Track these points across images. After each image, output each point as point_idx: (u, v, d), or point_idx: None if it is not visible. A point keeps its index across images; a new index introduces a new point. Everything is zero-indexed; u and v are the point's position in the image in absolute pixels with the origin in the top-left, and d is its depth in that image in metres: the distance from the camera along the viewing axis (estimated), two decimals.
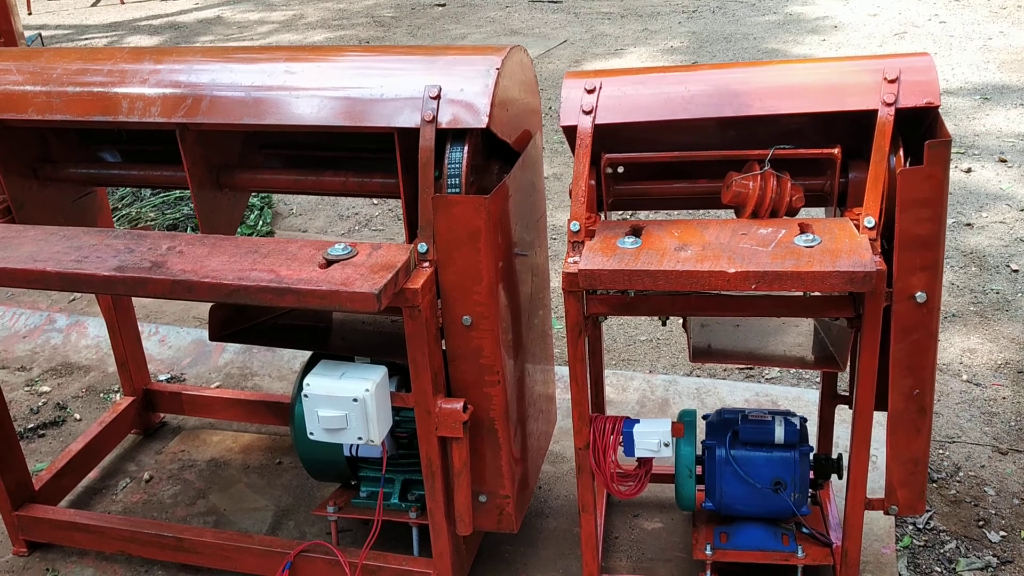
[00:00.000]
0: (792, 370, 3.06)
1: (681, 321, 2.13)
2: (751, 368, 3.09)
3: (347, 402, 1.89)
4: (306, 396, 1.91)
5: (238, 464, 2.76)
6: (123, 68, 2.11)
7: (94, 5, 10.35)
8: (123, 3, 10.21)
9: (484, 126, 1.84)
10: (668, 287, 1.69)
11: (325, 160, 2.25)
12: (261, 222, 4.15)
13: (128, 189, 4.38)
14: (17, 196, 2.26)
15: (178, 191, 4.37)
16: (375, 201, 4.59)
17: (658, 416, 2.78)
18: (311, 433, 1.95)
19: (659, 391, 2.90)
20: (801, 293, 1.82)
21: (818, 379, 3.02)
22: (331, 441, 1.95)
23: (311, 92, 1.95)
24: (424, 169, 1.85)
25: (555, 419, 2.54)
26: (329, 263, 1.82)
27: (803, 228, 1.79)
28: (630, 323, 3.41)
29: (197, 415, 2.93)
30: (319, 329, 2.36)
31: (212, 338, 2.23)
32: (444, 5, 8.73)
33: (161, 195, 4.34)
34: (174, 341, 3.36)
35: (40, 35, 7.63)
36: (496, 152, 2.03)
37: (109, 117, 2.06)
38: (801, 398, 2.80)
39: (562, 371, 2.87)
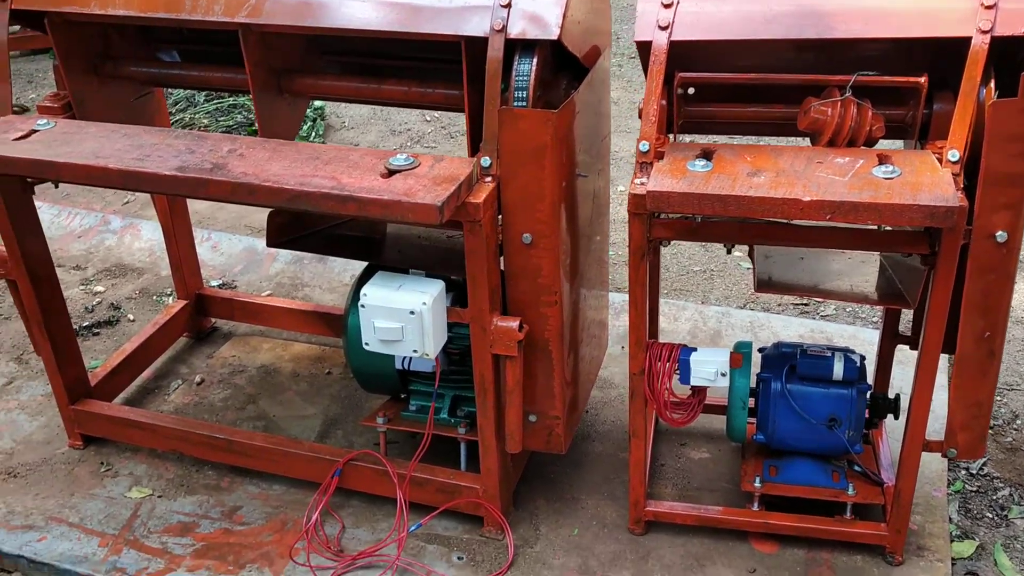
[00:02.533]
0: (848, 309, 3.00)
1: (748, 250, 2.08)
2: (805, 304, 3.03)
3: (404, 314, 1.88)
4: (363, 306, 1.91)
5: (288, 372, 2.78)
6: None
7: None
8: None
9: (555, 38, 1.77)
10: (739, 213, 1.64)
11: (386, 69, 2.20)
12: (313, 134, 4.12)
13: (182, 95, 4.37)
14: (78, 93, 2.24)
15: (232, 98, 4.35)
16: (427, 117, 4.53)
17: (712, 346, 2.74)
18: (366, 344, 1.95)
19: (711, 322, 2.86)
20: (876, 227, 1.76)
21: (875, 318, 2.96)
22: (386, 352, 1.95)
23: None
24: (491, 80, 1.80)
25: (606, 345, 2.53)
26: (391, 173, 1.79)
27: (882, 159, 1.72)
28: (683, 252, 3.35)
29: (248, 322, 2.95)
30: (373, 241, 2.35)
31: (270, 244, 2.23)
32: None
33: (215, 101, 4.32)
34: (226, 248, 3.37)
35: None
36: (564, 67, 1.97)
37: (171, 14, 2.02)
38: (857, 336, 2.75)
39: (614, 298, 2.86)
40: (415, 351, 1.91)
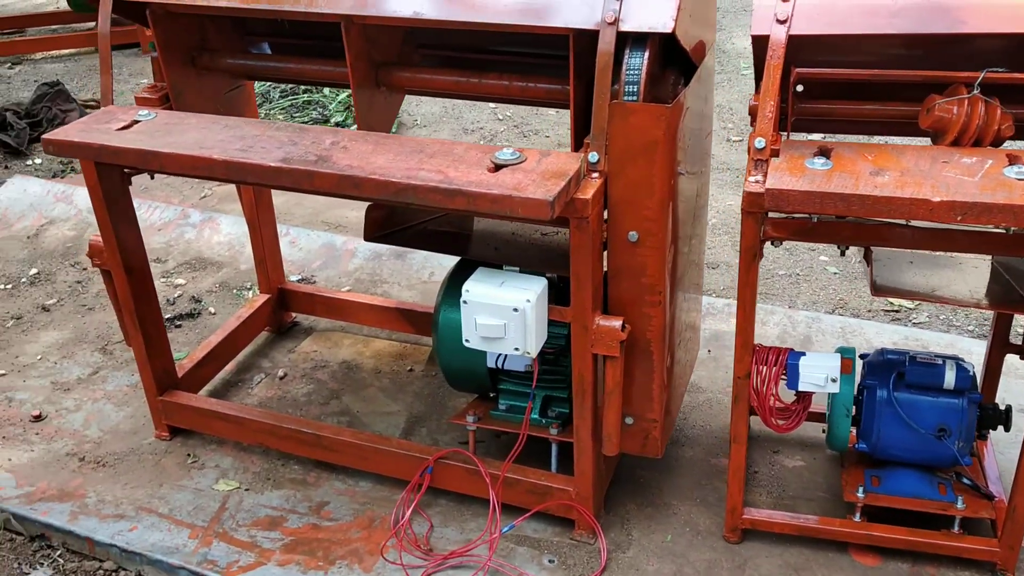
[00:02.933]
0: (941, 316, 2.91)
1: (864, 253, 2.01)
2: (896, 310, 2.95)
3: (507, 311, 1.84)
4: (465, 302, 1.88)
5: (369, 368, 2.77)
6: None
7: None
8: None
9: (670, 31, 1.73)
10: (863, 213, 1.58)
11: (484, 63, 2.18)
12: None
13: (258, 90, 4.39)
14: (176, 84, 2.25)
15: (306, 95, 4.37)
16: (499, 116, 4.50)
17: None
18: (467, 340, 1.92)
19: (801, 327, 2.79)
20: (1005, 229, 1.69)
21: (970, 327, 2.86)
22: (487, 349, 1.92)
23: None
24: (602, 74, 1.76)
25: (698, 348, 2.47)
26: (498, 167, 1.76)
27: (1012, 159, 1.65)
28: (768, 256, 3.28)
29: (329, 317, 2.95)
30: (462, 236, 2.32)
31: (367, 238, 2.21)
32: None
33: (289, 98, 4.34)
34: (305, 243, 3.37)
35: None
36: (671, 61, 1.92)
37: (275, 6, 2.02)
38: (955, 345, 2.66)
39: (705, 301, 2.81)
40: (516, 349, 1.88)
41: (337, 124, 4.20)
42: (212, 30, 2.31)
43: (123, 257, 2.27)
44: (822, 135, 3.13)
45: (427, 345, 2.85)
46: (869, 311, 2.95)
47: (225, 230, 3.48)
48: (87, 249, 2.30)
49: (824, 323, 2.80)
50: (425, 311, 2.79)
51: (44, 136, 2.02)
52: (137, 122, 2.05)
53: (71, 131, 2.03)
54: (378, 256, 3.27)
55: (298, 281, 3.20)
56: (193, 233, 3.50)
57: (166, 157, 1.91)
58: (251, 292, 3.18)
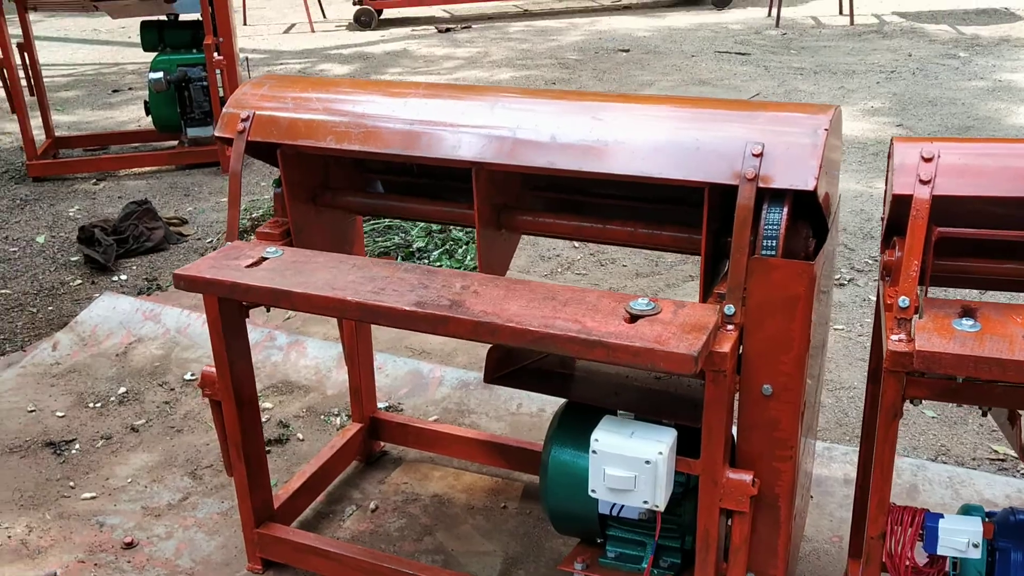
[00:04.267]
0: None
1: (1008, 414, 1.96)
2: (1002, 459, 2.86)
3: (638, 463, 1.81)
4: (595, 452, 1.85)
5: (462, 503, 2.72)
6: (423, 104, 2.13)
7: (287, 32, 10.85)
8: (313, 31, 10.64)
9: (812, 188, 1.75)
10: (1020, 378, 1.55)
11: (604, 206, 2.21)
12: (469, 257, 4.17)
13: None
14: (298, 220, 2.30)
15: (387, 220, 4.45)
16: (575, 244, 4.55)
17: (907, 503, 2.59)
18: (593, 491, 1.88)
19: (905, 475, 2.71)
20: None
21: None
22: (615, 501, 1.88)
23: (622, 141, 1.91)
24: (740, 228, 1.77)
25: (810, 496, 2.40)
26: (634, 318, 1.76)
27: None
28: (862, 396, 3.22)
29: (419, 448, 2.92)
30: (574, 377, 2.30)
31: (487, 380, 2.21)
32: (628, 51, 8.73)
33: (371, 222, 4.43)
34: (391, 370, 3.37)
35: (247, 58, 8.02)
36: (803, 213, 1.94)
37: (409, 152, 2.07)
38: None
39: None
40: (645, 502, 1.84)
41: (419, 249, 4.26)
42: (335, 169, 2.38)
43: (235, 388, 2.28)
44: (961, 291, 3.11)
45: (520, 480, 2.80)
46: (973, 459, 2.87)
47: (312, 353, 3.50)
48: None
49: (930, 471, 2.72)
50: (518, 446, 2.75)
51: (176, 272, 2.06)
52: (265, 259, 2.09)
53: (202, 267, 2.07)
54: (465, 385, 3.26)
55: (385, 409, 3.19)
56: (280, 356, 3.53)
57: (298, 297, 1.93)
58: (338, 418, 3.17)
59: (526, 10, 11.27)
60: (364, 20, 10.60)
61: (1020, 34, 8.44)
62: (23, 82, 5.77)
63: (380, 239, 4.33)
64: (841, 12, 9.57)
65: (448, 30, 10.28)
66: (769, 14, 9.71)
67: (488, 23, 10.62)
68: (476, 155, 2.01)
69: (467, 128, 2.05)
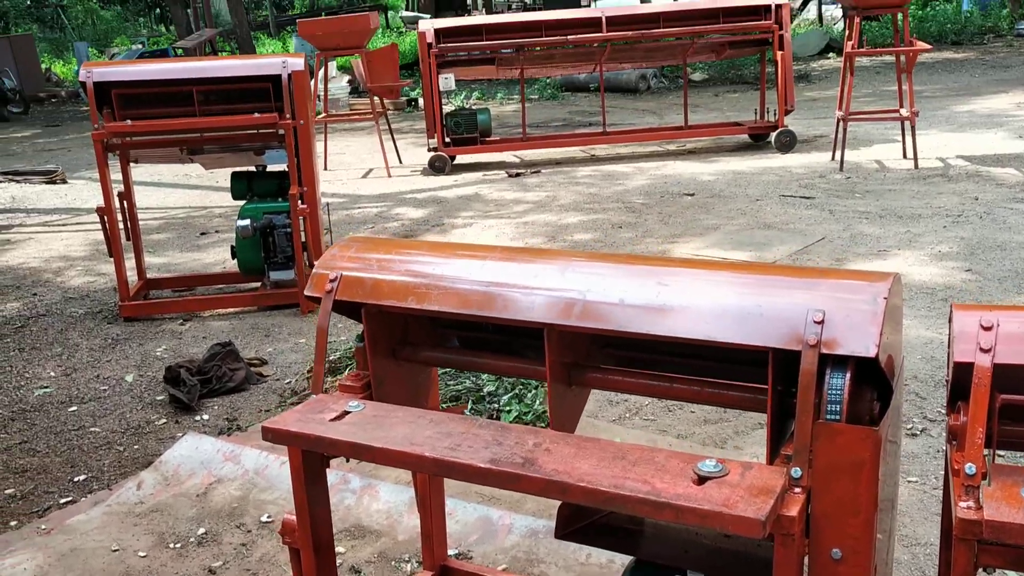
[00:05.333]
0: None
1: None
2: None
3: None
4: None
5: None
6: (498, 266, 2.27)
7: (364, 176, 11.38)
8: (389, 176, 11.14)
9: (873, 356, 1.81)
10: None
11: (670, 364, 2.29)
12: (538, 400, 4.25)
13: None
14: (379, 374, 2.43)
15: (454, 369, 4.58)
16: None
17: None
18: None
19: None
20: None
21: None
22: None
23: (687, 306, 2.00)
24: (805, 393, 1.83)
25: None
26: (702, 479, 1.81)
27: None
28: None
29: None
30: (644, 534, 2.33)
31: (558, 535, 2.25)
32: (693, 195, 8.94)
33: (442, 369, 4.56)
34: (461, 515, 3.42)
35: (328, 204, 8.43)
36: (866, 377, 1.99)
37: (485, 312, 2.20)
38: None
39: None
40: None
41: (489, 393, 4.35)
42: (414, 325, 2.52)
43: (314, 536, 2.36)
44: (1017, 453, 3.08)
45: None
46: None
47: (384, 498, 3.57)
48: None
49: None
50: None
51: (264, 425, 2.18)
52: (347, 412, 2.21)
53: (289, 420, 2.19)
54: (534, 533, 3.28)
55: (455, 556, 3.22)
56: (353, 499, 3.60)
57: (378, 451, 2.03)
58: (409, 564, 3.21)
59: (593, 155, 11.65)
60: (438, 166, 11.08)
61: None
62: (121, 227, 6.16)
63: (452, 383, 4.44)
64: (905, 156, 9.69)
65: (518, 175, 10.67)
66: (833, 158, 9.89)
67: (556, 168, 11.00)
68: (548, 316, 2.13)
69: (540, 290, 2.17)
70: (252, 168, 6.53)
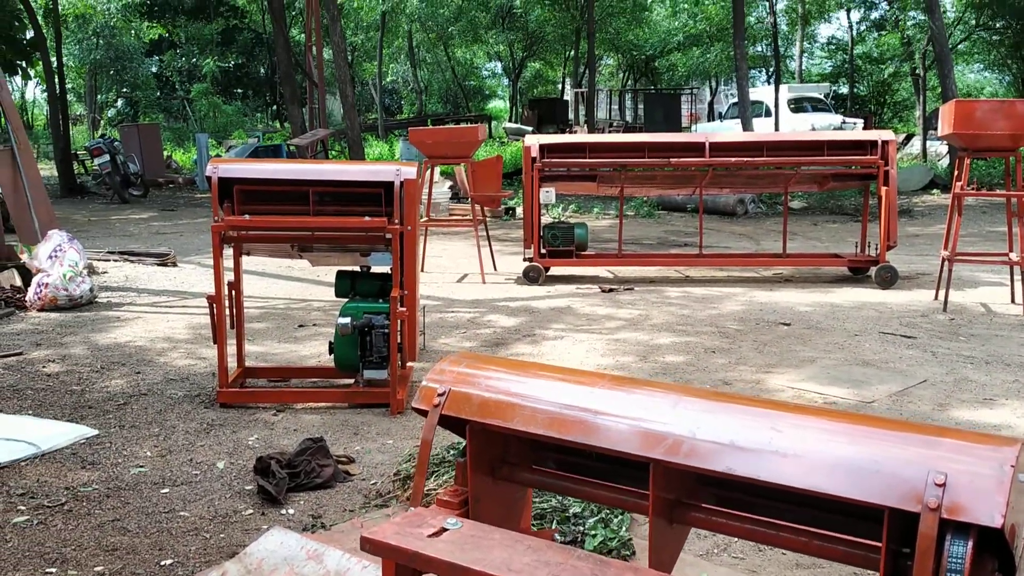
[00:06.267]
0: None
1: None
2: None
3: None
4: None
5: None
6: (608, 395, 2.28)
7: (460, 281, 11.59)
8: (484, 283, 11.32)
9: (999, 526, 1.74)
10: None
11: (774, 509, 2.24)
12: (624, 527, 4.16)
13: None
14: (477, 491, 2.44)
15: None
16: None
17: None
18: None
19: None
20: None
21: None
22: None
23: (800, 455, 1.97)
24: (923, 559, 1.77)
25: None
26: None
27: None
28: None
29: None
30: None
31: None
32: (789, 324, 8.82)
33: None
34: None
35: (424, 306, 8.60)
36: (988, 545, 1.91)
37: (588, 440, 2.20)
38: None
39: None
40: None
41: (575, 514, 4.29)
42: (514, 445, 2.53)
43: None
44: None
45: None
46: None
47: None
48: None
49: None
50: None
51: (363, 535, 2.20)
52: (445, 530, 2.21)
53: (388, 532, 2.20)
54: None
55: None
56: None
57: (475, 574, 2.02)
58: None
59: (688, 276, 11.65)
60: (532, 275, 11.22)
61: None
62: (226, 315, 6.39)
63: (537, 499, 4.40)
64: (1013, 301, 9.42)
65: (611, 290, 10.72)
66: (936, 297, 9.67)
67: (650, 286, 11.02)
68: (655, 452, 2.12)
69: (649, 423, 2.17)
70: (356, 268, 6.73)
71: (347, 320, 6.25)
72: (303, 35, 29.88)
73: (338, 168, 6.92)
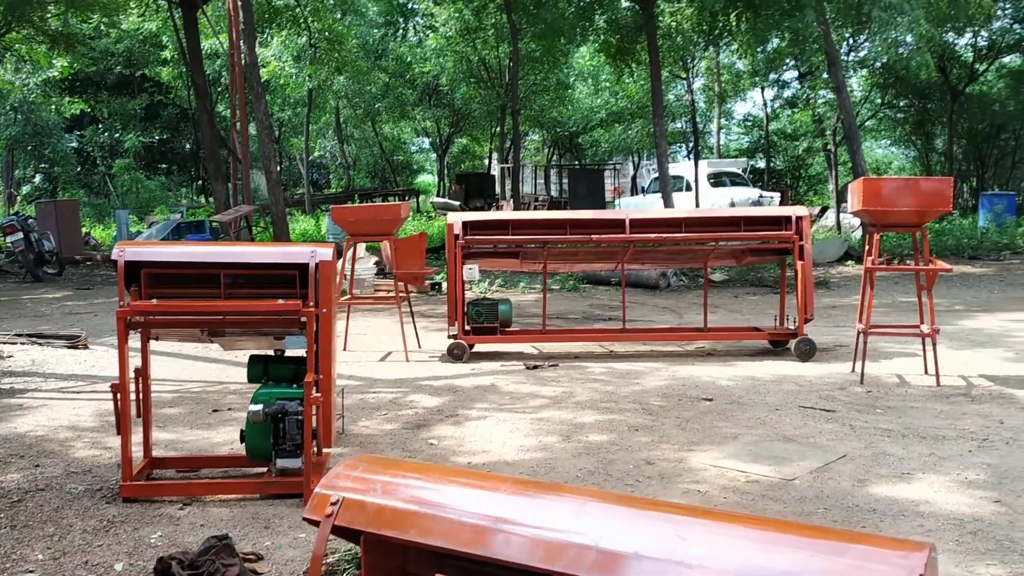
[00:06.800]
0: None
1: None
2: None
3: None
4: None
5: None
6: (508, 501, 2.17)
7: (383, 359, 11.40)
8: (408, 361, 11.15)
9: None
10: None
11: None
12: None
13: None
14: None
15: None
16: None
17: None
18: None
19: None
20: None
21: None
22: None
23: (707, 566, 1.89)
24: None
25: None
26: None
27: None
28: None
29: None
30: None
31: None
32: (711, 400, 8.84)
33: None
34: None
35: (343, 388, 8.39)
36: None
37: (489, 552, 2.09)
38: None
39: None
40: None
41: None
42: (414, 555, 2.39)
43: None
44: None
45: None
46: None
47: None
48: None
49: None
50: None
51: None
52: None
53: None
54: None
55: None
56: None
57: None
58: None
59: (612, 351, 11.67)
60: (456, 353, 11.11)
61: None
62: (133, 403, 6.11)
63: None
64: (927, 372, 9.62)
65: (536, 367, 10.66)
66: (853, 370, 9.83)
67: (574, 361, 11.00)
68: (558, 564, 2.01)
69: (550, 531, 2.07)
70: (270, 352, 6.54)
71: (259, 407, 6.03)
72: (229, 111, 29.75)
73: (251, 250, 6.76)
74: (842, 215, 29.31)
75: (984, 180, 41.44)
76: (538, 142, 52.66)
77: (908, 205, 9.27)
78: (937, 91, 37.50)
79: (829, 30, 21.49)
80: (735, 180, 32.82)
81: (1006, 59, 38.33)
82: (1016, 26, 34.33)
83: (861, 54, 35.43)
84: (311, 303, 5.96)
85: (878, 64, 35.26)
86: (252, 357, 6.52)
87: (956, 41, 35.27)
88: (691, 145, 36.25)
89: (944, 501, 5.88)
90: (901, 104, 40.86)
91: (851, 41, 32.10)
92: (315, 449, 6.18)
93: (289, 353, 6.57)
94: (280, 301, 5.98)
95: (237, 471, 6.61)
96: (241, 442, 6.31)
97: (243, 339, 6.70)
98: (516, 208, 27.74)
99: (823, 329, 12.64)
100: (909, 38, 21.76)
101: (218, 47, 30.48)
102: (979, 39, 35.96)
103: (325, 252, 6.08)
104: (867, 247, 9.90)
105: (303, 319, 5.99)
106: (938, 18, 20.46)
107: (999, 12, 32.85)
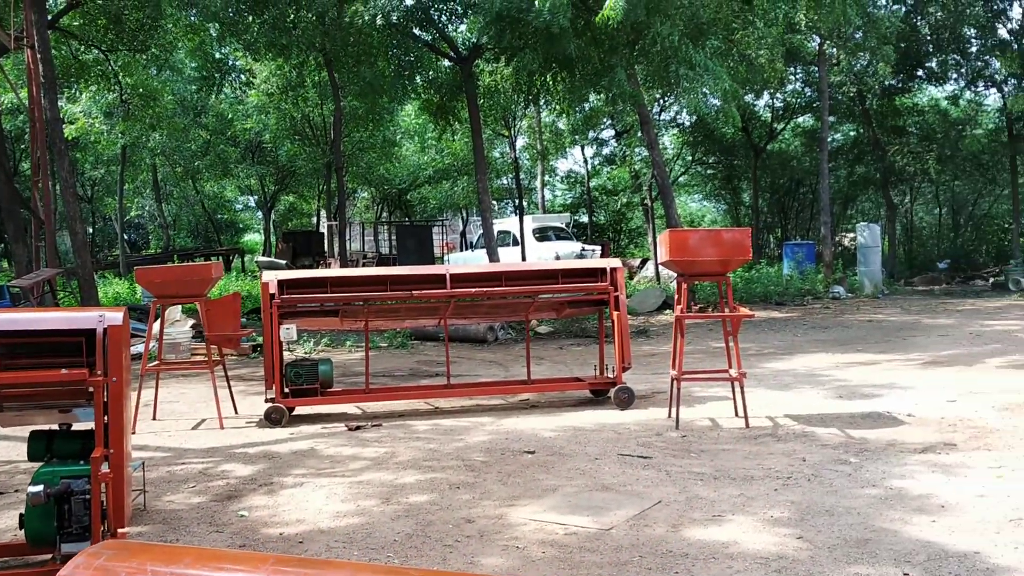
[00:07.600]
0: None
1: None
2: None
3: None
4: None
5: None
6: None
7: (195, 428, 10.79)
8: (222, 428, 10.61)
9: None
10: None
11: None
12: None
13: None
14: None
15: None
16: None
17: None
18: None
19: None
20: None
21: None
22: None
23: None
24: None
25: None
26: None
27: None
28: None
29: None
30: None
31: None
32: (533, 453, 8.84)
33: None
34: None
35: (143, 462, 7.86)
36: None
37: None
38: None
39: None
40: None
41: None
42: None
43: None
44: None
45: None
46: None
47: None
48: None
49: None
50: None
51: None
52: None
53: None
54: None
55: None
56: None
57: None
58: None
59: (437, 408, 11.53)
60: (274, 417, 10.67)
61: (905, 438, 8.88)
62: None
63: None
64: (737, 414, 10.01)
65: (358, 427, 10.37)
66: (669, 415, 10.11)
67: (399, 420, 10.79)
68: None
69: None
70: (54, 427, 6.01)
71: (39, 488, 5.50)
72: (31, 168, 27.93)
73: (31, 317, 6.24)
74: (660, 267, 30.60)
75: (787, 231, 44.40)
76: (367, 199, 52.36)
77: (711, 255, 9.71)
78: (742, 148, 40.07)
79: (640, 90, 22.54)
80: (560, 234, 33.72)
81: (799, 119, 41.48)
82: (807, 88, 37.25)
83: (672, 113, 37.46)
84: (99, 372, 5.53)
85: (687, 123, 37.36)
86: (32, 433, 5.98)
87: (755, 102, 37.86)
88: (516, 201, 37.01)
89: (752, 541, 6.05)
90: (710, 160, 43.37)
91: (662, 102, 33.87)
92: (109, 530, 5.69)
93: (79, 427, 6.07)
94: (63, 371, 5.51)
95: (19, 560, 5.99)
96: (20, 528, 5.73)
97: (26, 413, 6.13)
98: (343, 266, 27.34)
99: (642, 376, 12.99)
100: (714, 100, 23.13)
101: (18, 102, 28.67)
102: (775, 100, 38.78)
103: (114, 316, 5.68)
104: (677, 296, 10.28)
105: (91, 388, 5.55)
106: (737, 81, 21.91)
107: (791, 76, 35.57)
